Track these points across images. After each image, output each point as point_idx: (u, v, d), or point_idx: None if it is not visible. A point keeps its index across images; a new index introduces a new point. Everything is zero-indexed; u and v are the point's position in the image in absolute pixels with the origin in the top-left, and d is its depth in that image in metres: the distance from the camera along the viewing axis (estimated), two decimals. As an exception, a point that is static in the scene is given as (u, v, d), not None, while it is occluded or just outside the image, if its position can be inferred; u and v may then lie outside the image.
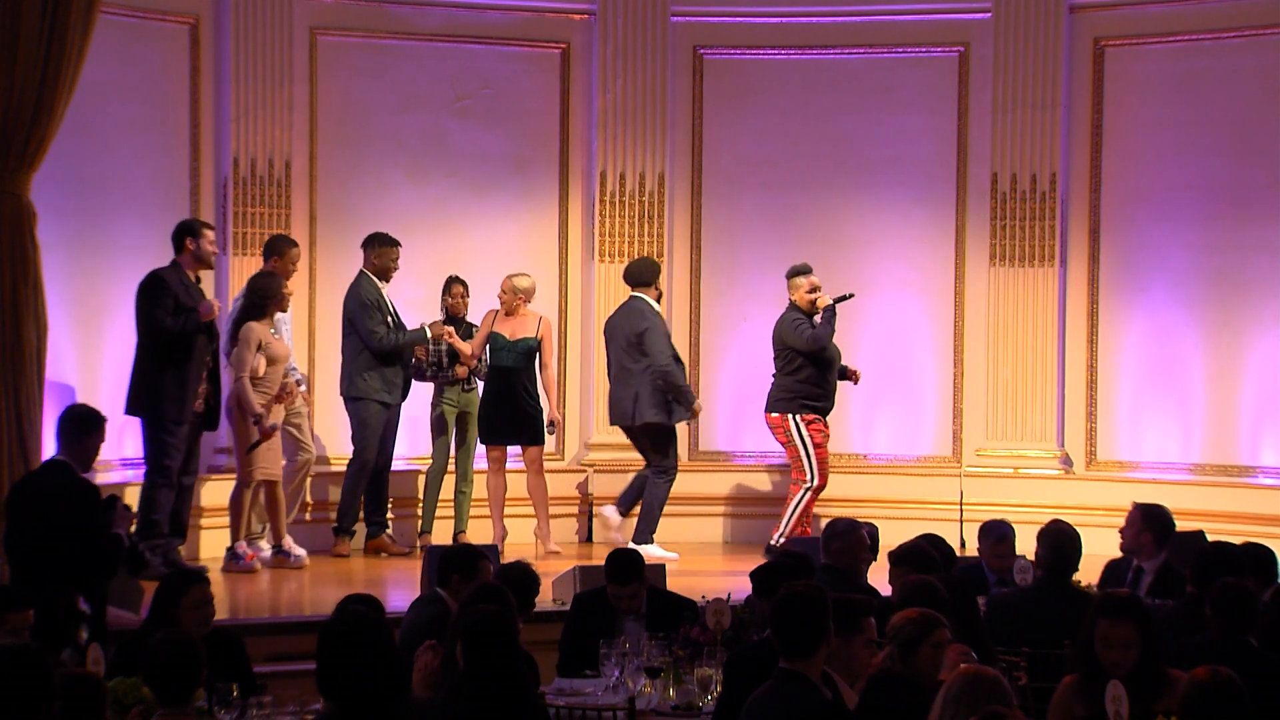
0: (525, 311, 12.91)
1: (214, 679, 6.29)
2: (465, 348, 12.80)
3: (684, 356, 13.28)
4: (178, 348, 11.37)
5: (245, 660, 7.27)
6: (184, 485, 11.57)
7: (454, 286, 13.08)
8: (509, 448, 12.93)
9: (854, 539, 8.73)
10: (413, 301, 13.29)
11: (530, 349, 12.84)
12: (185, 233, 11.60)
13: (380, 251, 12.69)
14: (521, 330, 12.86)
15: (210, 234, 11.69)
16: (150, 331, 11.41)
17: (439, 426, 13.01)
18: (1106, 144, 13.59)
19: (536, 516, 12.91)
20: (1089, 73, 13.61)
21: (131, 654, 6.88)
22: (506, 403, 12.81)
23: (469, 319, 13.11)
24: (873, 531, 9.60)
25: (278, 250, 12.51)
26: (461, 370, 12.92)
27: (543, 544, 12.82)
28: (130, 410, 11.51)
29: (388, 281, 12.73)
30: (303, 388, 12.58)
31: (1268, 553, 8.29)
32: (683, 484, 13.19)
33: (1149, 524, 9.03)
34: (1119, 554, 9.28)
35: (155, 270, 11.52)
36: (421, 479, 13.12)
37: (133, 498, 11.34)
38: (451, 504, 13.03)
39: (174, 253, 11.54)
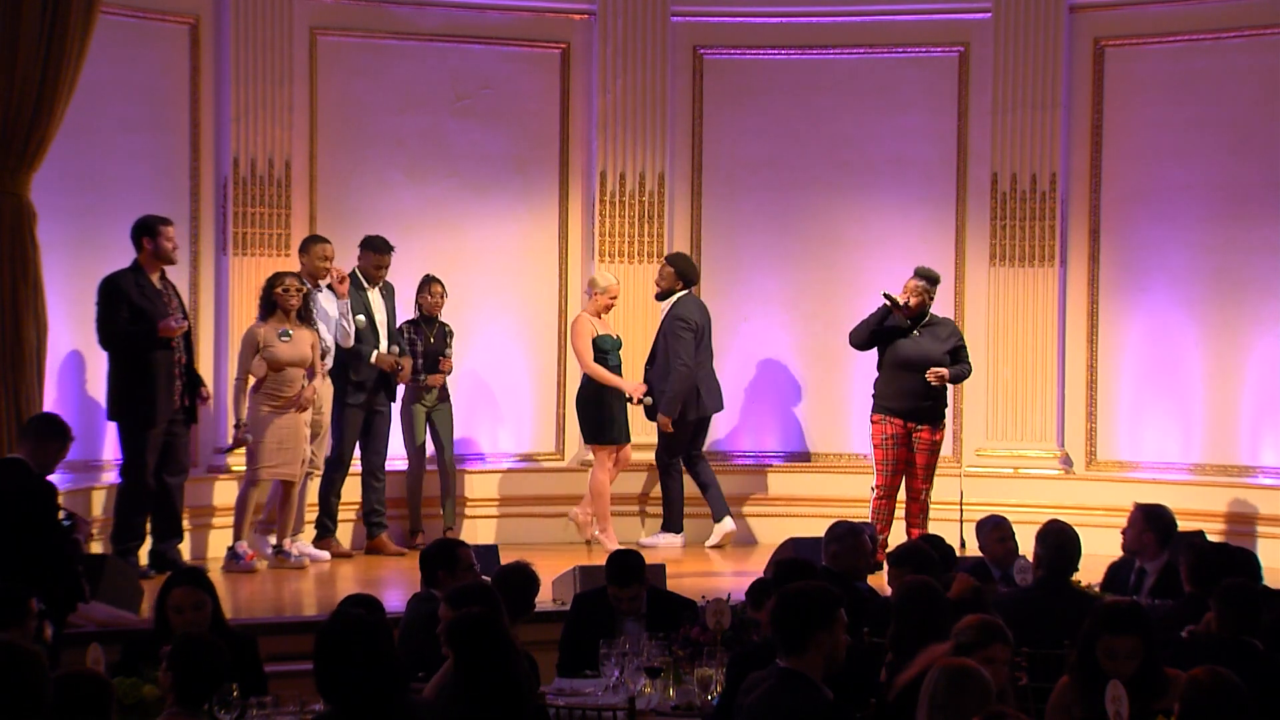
0: None
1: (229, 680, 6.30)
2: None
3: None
4: (142, 354, 11.34)
5: (257, 661, 7.26)
6: (169, 484, 11.55)
7: (432, 285, 13.06)
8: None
9: (852, 544, 8.71)
10: (411, 301, 13.28)
11: None
12: (143, 232, 11.49)
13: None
14: (613, 329, 13.08)
15: (169, 230, 11.55)
16: (104, 340, 11.40)
17: (412, 429, 13.02)
18: (1106, 144, 13.58)
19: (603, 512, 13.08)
20: (1089, 73, 13.61)
21: (135, 654, 6.90)
22: (620, 401, 13.03)
23: (442, 318, 13.09)
24: (872, 533, 9.60)
25: (303, 248, 12.50)
26: (436, 379, 12.93)
27: (609, 539, 12.87)
28: (110, 415, 11.54)
29: (373, 284, 12.70)
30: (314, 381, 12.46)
31: (1251, 557, 8.26)
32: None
33: (1151, 524, 9.03)
34: (1120, 554, 9.29)
35: (110, 275, 11.45)
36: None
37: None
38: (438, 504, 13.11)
39: (134, 252, 11.50)
